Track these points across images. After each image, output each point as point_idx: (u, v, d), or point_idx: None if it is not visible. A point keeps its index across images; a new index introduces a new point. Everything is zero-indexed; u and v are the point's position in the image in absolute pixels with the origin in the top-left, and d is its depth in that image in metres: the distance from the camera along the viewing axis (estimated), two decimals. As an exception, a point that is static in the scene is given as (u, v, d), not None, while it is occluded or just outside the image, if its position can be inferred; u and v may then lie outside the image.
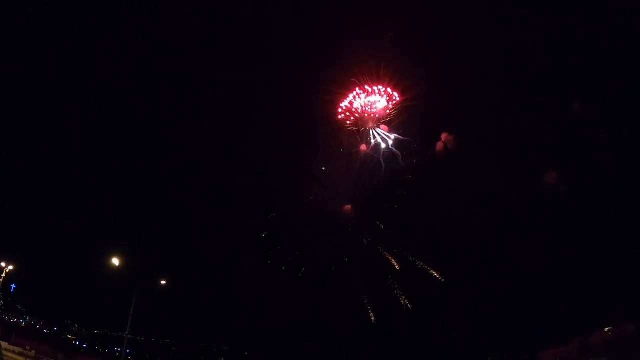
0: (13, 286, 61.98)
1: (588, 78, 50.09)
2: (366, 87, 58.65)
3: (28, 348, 45.07)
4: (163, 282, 47.51)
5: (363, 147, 60.05)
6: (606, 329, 44.44)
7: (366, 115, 59.81)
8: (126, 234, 63.51)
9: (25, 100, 62.22)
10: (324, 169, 61.66)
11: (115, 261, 38.87)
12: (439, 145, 57.70)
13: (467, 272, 56.34)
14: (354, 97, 59.45)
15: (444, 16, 54.58)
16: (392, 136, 59.17)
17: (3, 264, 52.23)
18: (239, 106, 63.47)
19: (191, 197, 68.14)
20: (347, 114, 60.29)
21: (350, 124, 60.52)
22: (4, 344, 41.53)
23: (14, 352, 41.69)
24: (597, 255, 48.38)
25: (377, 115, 59.78)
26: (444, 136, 57.61)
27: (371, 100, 59.43)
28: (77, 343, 70.55)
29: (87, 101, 64.54)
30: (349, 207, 62.01)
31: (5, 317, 65.93)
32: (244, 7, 59.64)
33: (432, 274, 57.60)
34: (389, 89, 58.03)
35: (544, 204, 54.23)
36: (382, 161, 59.11)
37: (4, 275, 52.68)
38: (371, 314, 59.69)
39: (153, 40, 62.06)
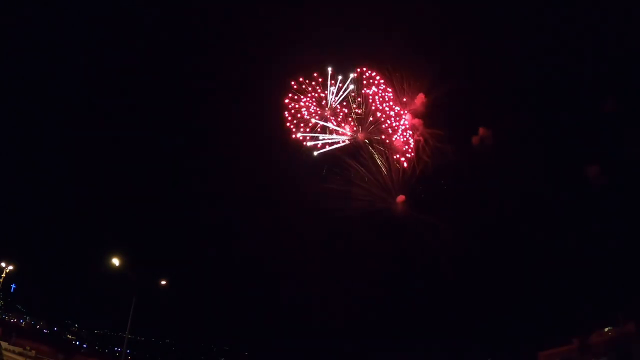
0: (13, 286, 62.25)
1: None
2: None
3: (28, 348, 45.14)
4: (163, 282, 47.58)
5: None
6: (606, 329, 44.50)
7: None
8: (126, 234, 63.47)
9: (25, 100, 62.25)
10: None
11: (115, 261, 38.92)
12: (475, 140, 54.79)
13: (467, 272, 56.28)
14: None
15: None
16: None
17: (3, 264, 52.31)
18: (241, 105, 63.43)
19: (192, 196, 68.10)
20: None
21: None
22: (4, 344, 41.56)
23: (14, 352, 41.72)
24: (597, 255, 48.41)
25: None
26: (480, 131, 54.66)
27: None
28: (77, 343, 70.55)
29: (87, 101, 64.67)
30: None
31: (5, 317, 66.04)
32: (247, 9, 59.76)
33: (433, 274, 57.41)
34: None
35: (543, 204, 54.21)
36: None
37: (4, 275, 52.74)
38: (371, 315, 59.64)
39: (153, 40, 62.11)
